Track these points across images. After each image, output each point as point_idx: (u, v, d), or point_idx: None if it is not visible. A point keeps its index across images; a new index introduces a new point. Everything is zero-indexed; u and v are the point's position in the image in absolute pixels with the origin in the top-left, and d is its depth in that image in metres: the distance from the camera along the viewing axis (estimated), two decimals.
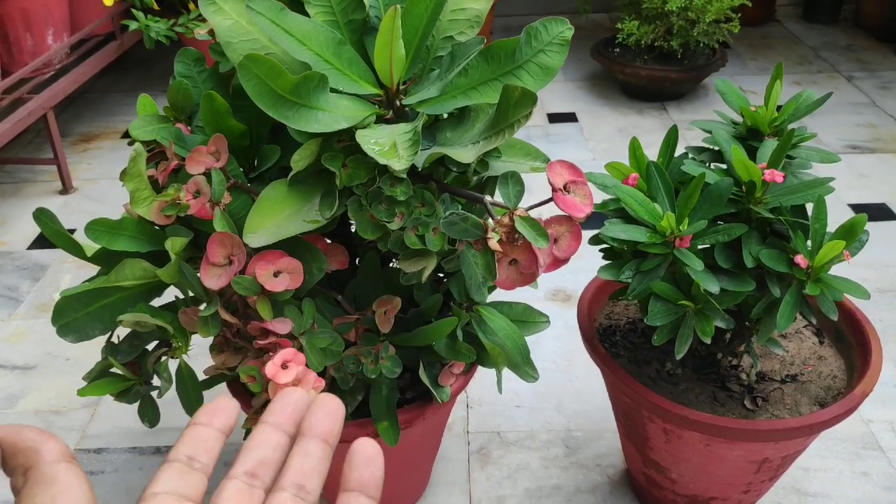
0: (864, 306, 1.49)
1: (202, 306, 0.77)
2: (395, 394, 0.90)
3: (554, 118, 2.29)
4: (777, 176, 0.80)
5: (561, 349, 1.40)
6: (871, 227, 1.75)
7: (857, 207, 1.82)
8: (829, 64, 2.63)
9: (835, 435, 1.21)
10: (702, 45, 2.26)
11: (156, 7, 1.94)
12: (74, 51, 2.12)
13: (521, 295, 1.47)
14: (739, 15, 2.20)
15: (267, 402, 0.78)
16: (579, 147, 2.12)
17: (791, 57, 2.70)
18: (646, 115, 2.28)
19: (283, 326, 0.70)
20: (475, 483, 1.15)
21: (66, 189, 2.00)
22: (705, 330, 0.82)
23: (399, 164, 0.62)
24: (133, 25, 1.84)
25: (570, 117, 2.29)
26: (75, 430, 1.28)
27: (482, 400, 1.30)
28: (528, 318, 0.99)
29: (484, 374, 1.31)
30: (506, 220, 0.68)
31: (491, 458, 1.19)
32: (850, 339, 1.00)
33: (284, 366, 0.68)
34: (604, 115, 2.29)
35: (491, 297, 0.99)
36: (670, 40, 2.22)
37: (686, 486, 0.99)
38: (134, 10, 1.83)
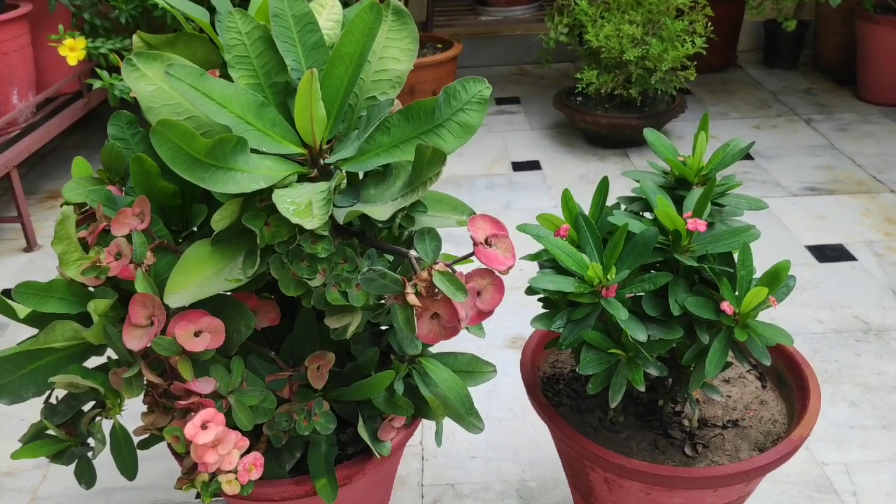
0: (820, 347, 1.50)
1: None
2: (334, 450, 0.89)
3: (518, 166, 2.32)
4: (700, 225, 0.82)
5: (518, 397, 1.40)
6: (827, 267, 1.79)
7: (813, 249, 1.84)
8: (789, 107, 2.68)
9: (789, 479, 1.21)
10: (660, 92, 2.31)
11: (120, 65, 1.97)
12: (41, 109, 2.14)
13: (477, 343, 1.47)
14: (696, 63, 2.25)
15: (195, 464, 0.78)
16: (542, 194, 2.14)
17: (751, 101, 2.75)
18: (608, 162, 2.32)
19: (205, 386, 0.70)
20: None
21: (30, 246, 2.00)
22: (636, 378, 0.83)
23: (311, 224, 0.63)
24: (97, 84, 1.86)
25: (534, 165, 2.32)
26: (26, 491, 1.26)
27: (437, 452, 1.29)
28: (474, 369, 0.99)
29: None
30: (424, 274, 0.69)
31: None
32: (791, 383, 1.01)
33: (204, 426, 0.68)
34: (567, 162, 2.33)
35: (439, 348, 1.00)
36: (629, 88, 2.26)
37: None
38: (98, 70, 1.85)
